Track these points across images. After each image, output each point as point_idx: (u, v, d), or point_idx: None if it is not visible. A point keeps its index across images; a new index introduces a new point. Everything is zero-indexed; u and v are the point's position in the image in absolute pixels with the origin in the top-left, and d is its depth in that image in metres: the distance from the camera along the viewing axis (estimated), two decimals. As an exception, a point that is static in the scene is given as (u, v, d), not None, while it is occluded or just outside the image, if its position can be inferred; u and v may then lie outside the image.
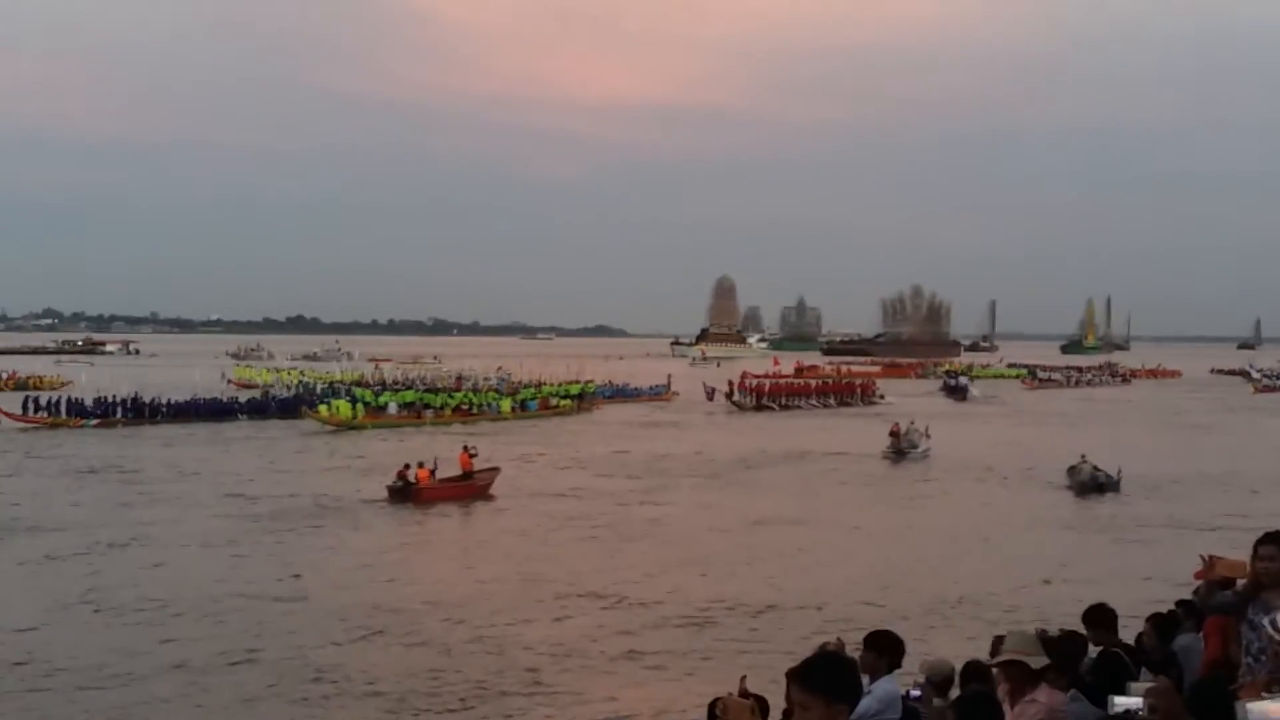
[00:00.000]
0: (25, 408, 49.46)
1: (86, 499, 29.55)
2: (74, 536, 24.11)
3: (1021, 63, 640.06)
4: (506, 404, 58.99)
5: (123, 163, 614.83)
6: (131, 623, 17.34)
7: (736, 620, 17.63)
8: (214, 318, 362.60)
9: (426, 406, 55.63)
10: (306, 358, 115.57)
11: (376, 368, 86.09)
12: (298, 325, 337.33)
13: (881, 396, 72.83)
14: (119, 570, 21.03)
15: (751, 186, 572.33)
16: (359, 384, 67.54)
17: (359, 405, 53.28)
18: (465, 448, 32.96)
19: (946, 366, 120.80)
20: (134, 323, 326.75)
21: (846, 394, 74.04)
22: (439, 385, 65.36)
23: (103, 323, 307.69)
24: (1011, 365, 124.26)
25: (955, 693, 6.26)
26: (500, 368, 79.21)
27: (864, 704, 5.15)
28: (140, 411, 51.04)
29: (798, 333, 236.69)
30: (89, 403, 50.85)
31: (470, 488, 30.91)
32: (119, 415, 50.24)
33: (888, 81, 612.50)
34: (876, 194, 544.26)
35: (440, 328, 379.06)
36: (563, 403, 62.16)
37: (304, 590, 19.53)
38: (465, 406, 57.06)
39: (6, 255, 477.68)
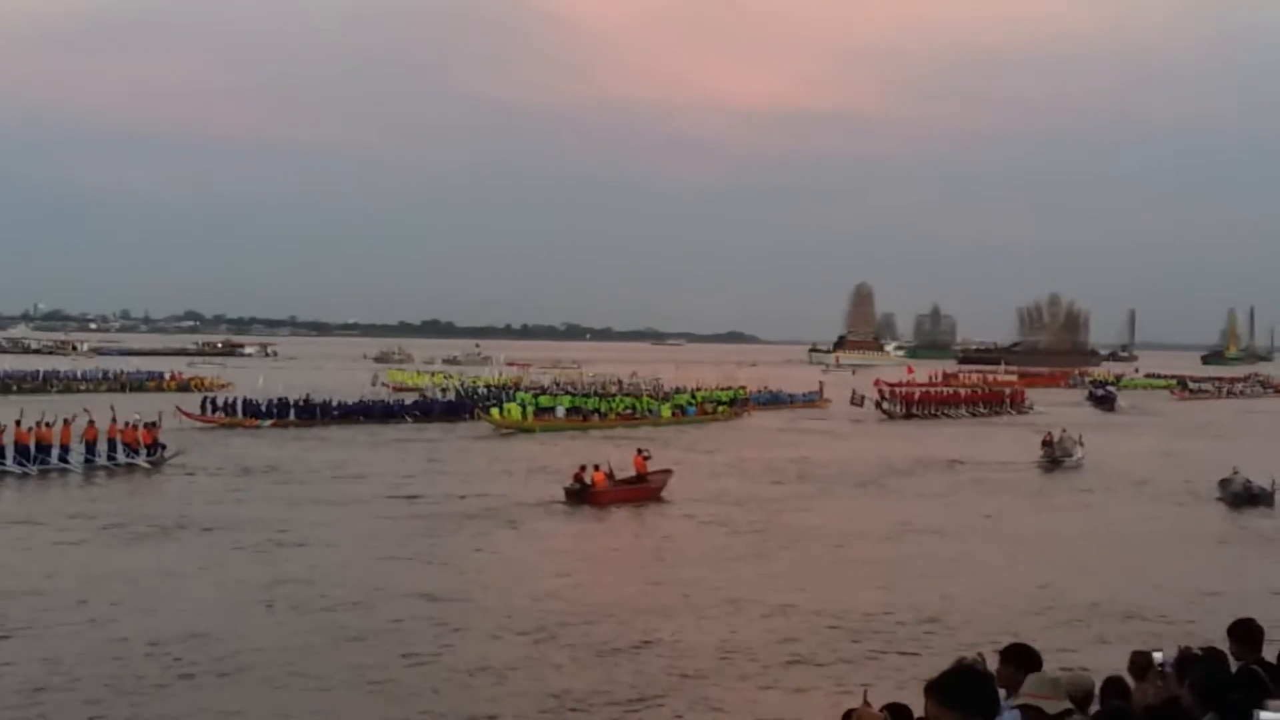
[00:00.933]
0: (204, 408, 52.20)
1: (261, 498, 30.38)
2: (250, 535, 24.72)
3: (1156, 64, 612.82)
4: (667, 409, 60.37)
5: (264, 165, 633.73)
6: (311, 626, 17.56)
7: (892, 629, 17.83)
8: (350, 321, 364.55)
9: (593, 411, 57.24)
10: (447, 361, 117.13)
11: (525, 371, 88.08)
12: (433, 329, 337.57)
13: (1031, 406, 72.25)
14: (295, 568, 21.35)
15: (883, 191, 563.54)
16: (515, 387, 69.39)
17: (528, 409, 55.17)
18: (639, 450, 33.40)
19: (1094, 376, 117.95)
20: (272, 325, 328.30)
21: (995, 403, 73.70)
22: (598, 390, 66.91)
23: (242, 325, 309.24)
24: (1149, 375, 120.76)
25: (1095, 709, 6.02)
26: (634, 373, 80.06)
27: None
28: (311, 413, 53.42)
29: (932, 340, 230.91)
30: (263, 404, 53.33)
31: (644, 490, 31.34)
32: (291, 416, 52.66)
33: (1024, 85, 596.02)
34: (1010, 199, 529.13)
35: (573, 332, 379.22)
36: (720, 408, 63.51)
37: (479, 590, 20.11)
38: (628, 411, 58.62)
39: (151, 259, 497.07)
